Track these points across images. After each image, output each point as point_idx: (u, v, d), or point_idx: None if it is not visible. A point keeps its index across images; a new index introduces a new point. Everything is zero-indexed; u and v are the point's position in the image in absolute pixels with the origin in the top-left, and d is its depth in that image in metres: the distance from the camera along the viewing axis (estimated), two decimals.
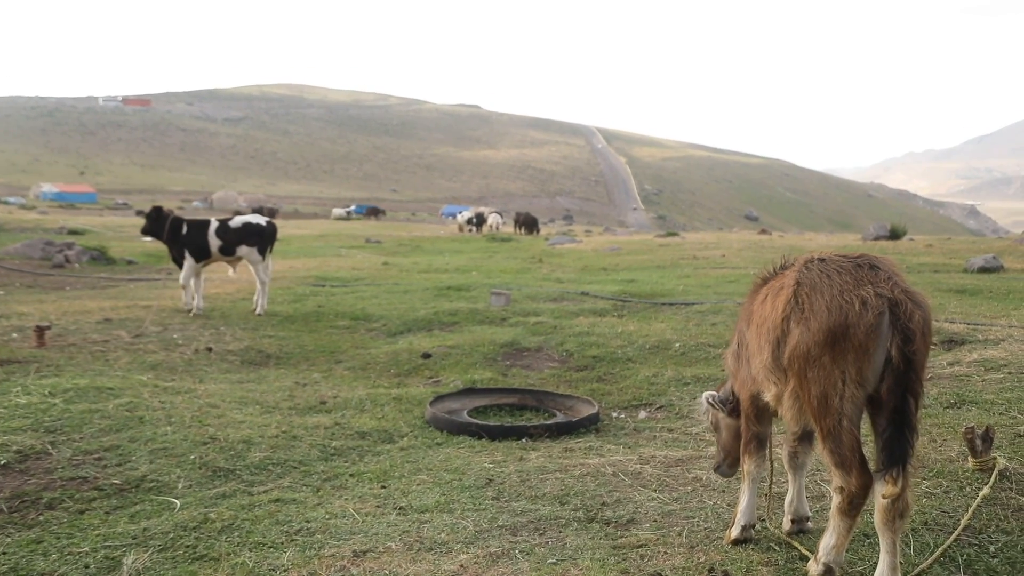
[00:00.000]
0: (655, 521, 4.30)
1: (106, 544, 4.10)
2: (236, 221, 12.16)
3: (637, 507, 4.54)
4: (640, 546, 3.91)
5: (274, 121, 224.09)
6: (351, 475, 5.33)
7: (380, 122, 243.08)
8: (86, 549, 4.04)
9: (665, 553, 3.80)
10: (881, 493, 3.10)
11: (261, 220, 12.34)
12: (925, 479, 4.58)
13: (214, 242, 11.87)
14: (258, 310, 11.89)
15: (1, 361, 7.96)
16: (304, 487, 5.09)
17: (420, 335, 10.35)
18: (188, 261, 11.85)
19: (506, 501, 4.72)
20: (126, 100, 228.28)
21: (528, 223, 45.68)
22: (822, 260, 3.36)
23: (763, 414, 3.80)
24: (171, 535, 4.21)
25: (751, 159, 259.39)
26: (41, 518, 4.50)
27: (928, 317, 3.22)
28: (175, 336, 10.01)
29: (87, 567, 3.85)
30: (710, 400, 4.19)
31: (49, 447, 5.52)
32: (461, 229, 48.32)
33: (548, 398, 7.45)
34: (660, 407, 7.05)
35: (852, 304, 3.11)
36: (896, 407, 3.10)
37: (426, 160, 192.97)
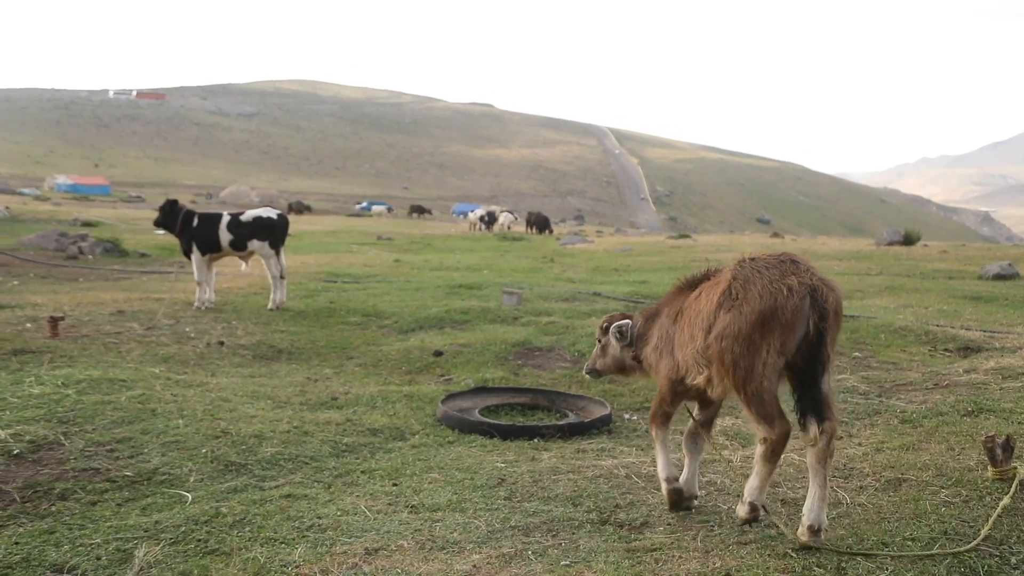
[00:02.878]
0: (669, 525, 4.27)
1: (118, 536, 4.08)
2: (247, 215, 12.14)
3: (651, 510, 4.51)
4: (654, 549, 3.87)
5: (287, 117, 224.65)
6: (362, 472, 5.31)
7: (393, 119, 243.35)
8: (98, 541, 4.02)
9: (680, 557, 3.76)
10: (809, 439, 3.78)
11: (272, 214, 12.30)
12: (944, 488, 4.53)
13: (225, 236, 11.86)
14: (271, 305, 11.87)
15: (15, 351, 7.98)
16: (315, 483, 5.07)
17: (432, 333, 10.33)
18: (196, 255, 11.85)
19: (518, 501, 4.69)
20: (140, 93, 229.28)
21: (540, 223, 45.65)
22: (753, 259, 4.02)
23: (678, 398, 4.46)
24: (183, 528, 4.19)
25: (764, 162, 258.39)
26: (53, 508, 4.49)
27: (839, 299, 3.88)
28: (187, 329, 10.01)
29: (99, 559, 3.83)
30: (620, 330, 4.84)
31: (62, 438, 5.52)
32: (473, 227, 48.32)
33: (560, 398, 7.41)
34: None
35: (781, 291, 3.77)
36: (808, 371, 3.80)
37: (438, 158, 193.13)
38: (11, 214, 32.29)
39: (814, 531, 3.80)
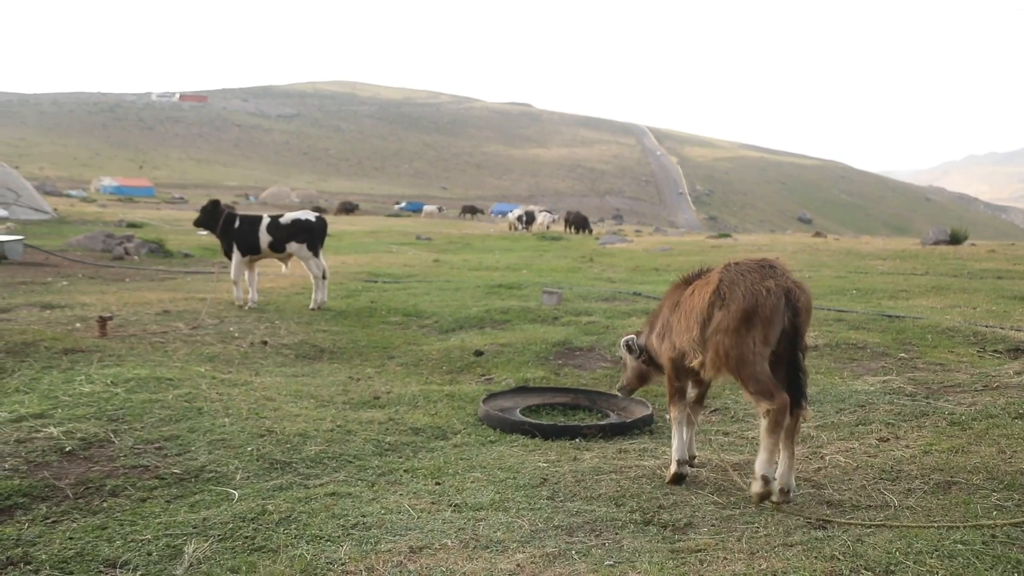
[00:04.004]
0: (713, 526, 4.24)
1: (167, 532, 4.16)
2: (286, 217, 12.29)
3: (694, 511, 4.49)
4: (699, 551, 3.85)
5: (327, 118, 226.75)
6: (405, 471, 5.34)
7: (431, 120, 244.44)
8: (148, 537, 4.10)
9: (725, 559, 3.74)
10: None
11: (311, 216, 12.43)
12: (995, 491, 4.45)
13: (264, 238, 12.01)
14: (312, 305, 12.00)
15: (66, 350, 8.15)
16: (359, 481, 5.11)
17: (472, 332, 10.36)
18: (236, 256, 12.02)
19: (561, 501, 4.69)
20: (183, 96, 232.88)
21: (579, 222, 45.49)
22: (736, 264, 4.68)
23: (682, 374, 5.05)
24: (230, 525, 4.25)
25: (805, 160, 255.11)
26: (105, 505, 4.59)
27: (809, 299, 4.60)
28: (231, 329, 10.15)
29: (150, 554, 3.91)
30: (628, 344, 5.47)
31: (112, 435, 5.63)
32: (511, 227, 48.35)
33: (601, 398, 7.39)
34: (715, 410, 6.95)
35: (761, 291, 4.45)
36: (790, 360, 4.57)
37: (476, 158, 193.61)
38: (59, 216, 32.98)
39: (784, 492, 4.55)
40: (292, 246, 12.15)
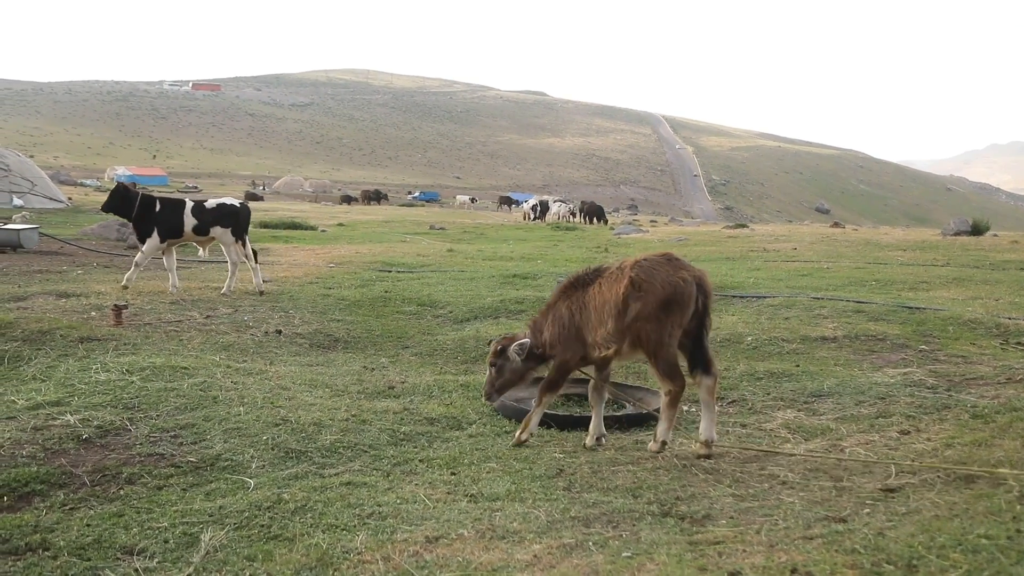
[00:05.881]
0: (732, 518, 4.19)
1: (184, 520, 4.16)
2: (211, 202, 12.31)
3: (712, 503, 4.44)
4: (717, 543, 3.80)
5: (340, 107, 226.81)
6: (421, 461, 5.33)
7: (444, 109, 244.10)
8: (165, 524, 4.10)
9: (744, 551, 3.69)
10: (699, 384, 5.32)
11: (236, 202, 12.49)
12: (1019, 484, 4.37)
13: (189, 221, 11.96)
14: (224, 290, 12.04)
15: (82, 338, 8.17)
16: (374, 471, 5.10)
17: (486, 322, 10.33)
18: (153, 240, 11.81)
19: (577, 492, 4.66)
20: (196, 85, 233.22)
21: (594, 212, 45.30)
22: (646, 259, 5.30)
23: (574, 370, 5.64)
24: (246, 514, 4.25)
25: (823, 150, 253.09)
26: (122, 492, 4.59)
27: (711, 285, 5.33)
28: (245, 318, 10.16)
29: (166, 542, 3.90)
30: (519, 350, 5.66)
31: (128, 423, 5.64)
32: (525, 217, 48.23)
33: (617, 389, 7.33)
34: (732, 402, 6.89)
35: (678, 281, 5.15)
36: (697, 335, 5.32)
37: (490, 147, 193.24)
38: (74, 205, 33.17)
39: (707, 444, 5.31)
40: (216, 230, 12.13)
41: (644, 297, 5.12)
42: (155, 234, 11.83)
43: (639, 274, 5.19)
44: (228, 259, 12.32)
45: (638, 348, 5.25)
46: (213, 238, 12.32)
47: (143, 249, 11.94)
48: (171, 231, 11.91)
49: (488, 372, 5.86)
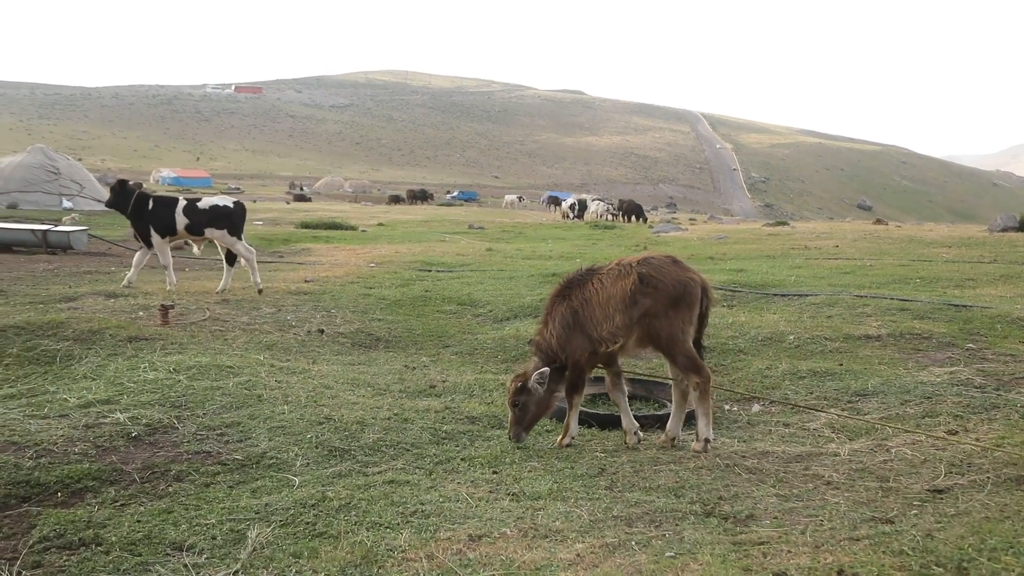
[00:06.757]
0: (776, 518, 4.16)
1: (231, 517, 4.23)
2: (205, 202, 12.38)
3: (756, 503, 4.41)
4: (761, 543, 3.78)
5: (379, 108, 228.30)
6: (462, 459, 5.36)
7: (482, 108, 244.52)
8: (213, 521, 4.17)
9: (788, 552, 3.67)
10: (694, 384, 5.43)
11: (229, 202, 12.53)
12: None
13: (180, 220, 12.07)
14: (219, 288, 12.14)
15: (130, 338, 8.34)
16: (417, 469, 5.14)
17: (527, 321, 10.33)
18: (156, 238, 12.05)
19: (620, 491, 4.66)
20: (239, 88, 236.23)
21: (633, 210, 45.09)
22: (652, 258, 5.54)
23: (592, 364, 5.71)
24: (291, 511, 4.31)
25: (865, 146, 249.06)
26: (170, 489, 4.68)
27: (712, 290, 5.60)
28: (288, 317, 10.28)
29: (214, 538, 3.98)
30: (540, 379, 5.52)
31: (175, 421, 5.75)
32: (564, 216, 48.12)
33: (658, 388, 7.31)
34: (774, 401, 6.83)
35: (687, 281, 5.41)
36: (696, 337, 5.54)
37: (528, 146, 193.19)
38: None
39: (705, 442, 5.42)
40: (213, 233, 12.21)
41: (654, 294, 5.32)
42: (152, 231, 12.09)
43: (648, 271, 5.38)
44: (241, 258, 12.48)
45: (647, 344, 5.46)
46: (208, 238, 12.51)
47: (155, 251, 12.22)
48: (164, 228, 12.12)
49: (511, 414, 5.65)
